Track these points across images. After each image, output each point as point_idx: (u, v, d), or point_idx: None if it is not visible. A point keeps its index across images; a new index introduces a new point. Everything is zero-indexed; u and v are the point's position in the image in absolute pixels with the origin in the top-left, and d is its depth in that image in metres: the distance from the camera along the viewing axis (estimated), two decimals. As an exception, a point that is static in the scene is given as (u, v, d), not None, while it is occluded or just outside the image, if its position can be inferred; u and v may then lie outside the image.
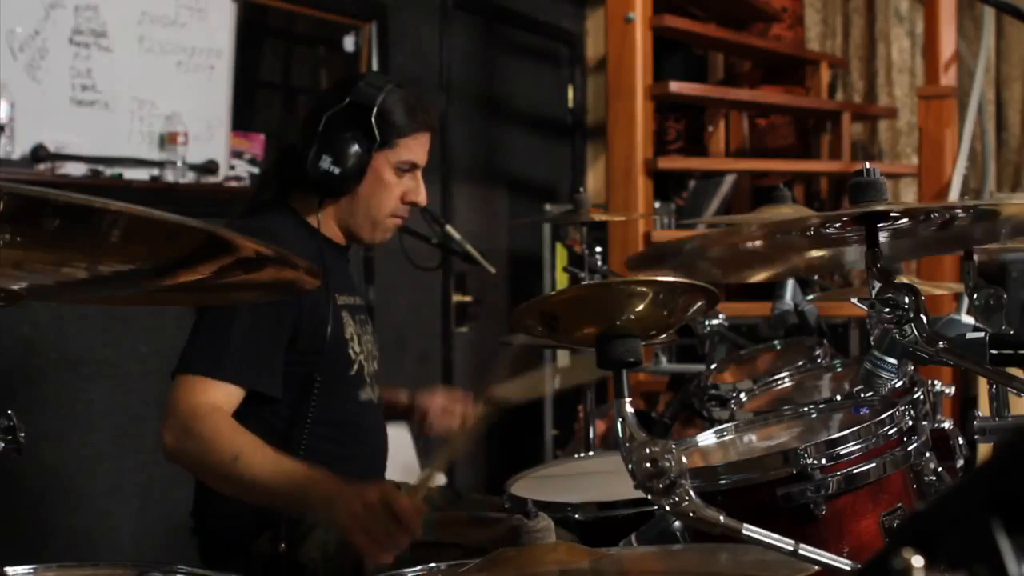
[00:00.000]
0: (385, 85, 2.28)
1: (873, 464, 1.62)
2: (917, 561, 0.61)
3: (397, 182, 2.30)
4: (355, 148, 2.22)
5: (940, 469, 1.78)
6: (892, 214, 1.53)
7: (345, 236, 2.38)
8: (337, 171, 2.21)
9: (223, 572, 2.11)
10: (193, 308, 2.22)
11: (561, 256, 4.86)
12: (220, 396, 2.09)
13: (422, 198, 2.34)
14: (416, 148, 2.32)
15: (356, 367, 2.31)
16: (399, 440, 3.66)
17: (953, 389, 2.21)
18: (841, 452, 1.61)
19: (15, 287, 1.19)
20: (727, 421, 2.15)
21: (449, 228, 3.08)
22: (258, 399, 2.17)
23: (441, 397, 2.64)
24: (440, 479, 2.82)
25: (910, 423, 1.70)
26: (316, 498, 1.96)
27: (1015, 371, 1.63)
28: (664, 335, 1.37)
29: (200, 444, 2.04)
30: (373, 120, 2.23)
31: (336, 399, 2.27)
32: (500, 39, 5.13)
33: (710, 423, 2.53)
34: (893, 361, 1.58)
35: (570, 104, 5.49)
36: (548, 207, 5.00)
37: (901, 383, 1.86)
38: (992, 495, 0.61)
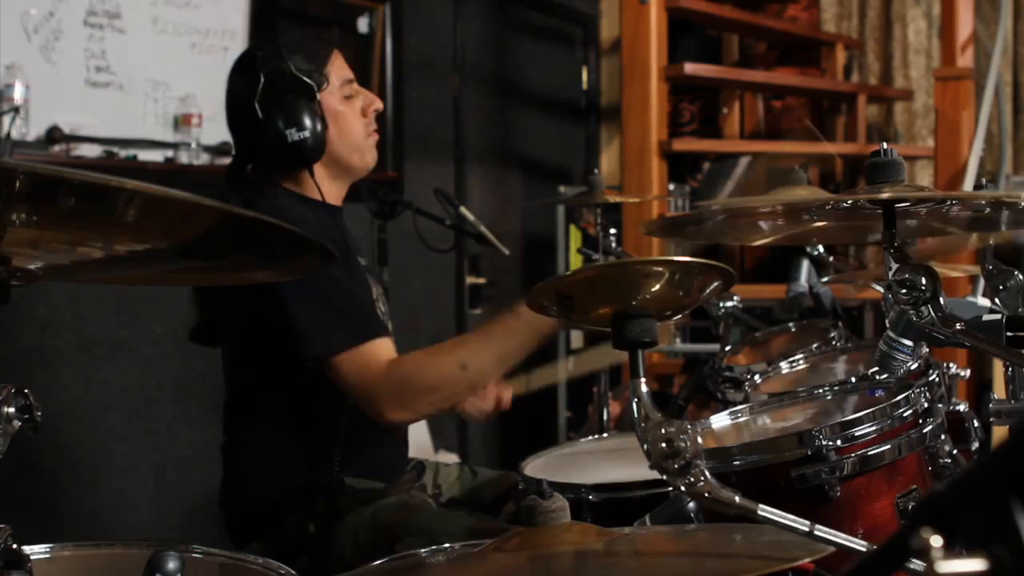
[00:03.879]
0: (276, 41, 2.31)
1: (888, 446, 1.62)
2: (936, 541, 0.61)
3: (350, 105, 2.35)
4: (304, 106, 2.24)
5: (955, 451, 1.78)
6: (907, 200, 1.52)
7: (345, 177, 2.39)
8: (307, 134, 2.24)
9: (248, 547, 2.12)
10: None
11: (575, 238, 4.85)
12: (387, 347, 2.17)
13: (378, 102, 2.39)
14: (340, 68, 2.36)
15: None
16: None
17: (968, 372, 2.21)
18: (856, 434, 1.60)
19: (31, 266, 1.19)
20: (741, 403, 2.15)
21: (463, 209, 3.08)
22: (299, 366, 2.18)
23: None
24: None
25: (925, 405, 1.70)
26: (529, 326, 2.12)
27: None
28: (679, 315, 1.36)
29: (424, 387, 2.14)
30: (297, 73, 2.25)
31: None
32: (514, 20, 5.11)
33: (724, 405, 2.53)
34: (909, 343, 1.57)
35: (584, 86, 5.47)
36: (562, 189, 5.00)
37: (916, 365, 1.85)
38: (1011, 476, 0.60)
